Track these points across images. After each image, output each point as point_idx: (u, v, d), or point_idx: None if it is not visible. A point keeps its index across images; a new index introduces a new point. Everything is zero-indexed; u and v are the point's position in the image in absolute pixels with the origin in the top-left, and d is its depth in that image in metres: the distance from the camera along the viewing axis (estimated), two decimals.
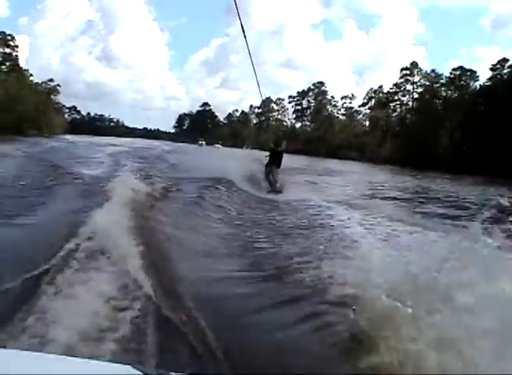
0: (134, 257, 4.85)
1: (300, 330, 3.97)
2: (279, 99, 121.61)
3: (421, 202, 16.33)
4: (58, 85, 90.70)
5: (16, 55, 70.77)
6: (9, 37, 69.37)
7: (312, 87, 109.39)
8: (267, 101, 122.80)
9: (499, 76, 61.05)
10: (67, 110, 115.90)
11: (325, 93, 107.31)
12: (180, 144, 78.40)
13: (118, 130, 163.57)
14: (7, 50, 68.64)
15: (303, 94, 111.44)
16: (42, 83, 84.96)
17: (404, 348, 3.20)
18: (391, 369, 3.11)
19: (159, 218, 8.20)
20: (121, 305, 3.74)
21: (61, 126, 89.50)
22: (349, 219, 9.80)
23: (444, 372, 3.00)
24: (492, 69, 62.52)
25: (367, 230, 8.08)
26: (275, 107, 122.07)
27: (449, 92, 68.01)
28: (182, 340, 3.54)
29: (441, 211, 12.90)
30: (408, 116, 70.65)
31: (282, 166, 15.43)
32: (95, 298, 3.75)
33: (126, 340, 3.30)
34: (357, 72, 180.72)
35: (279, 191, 13.94)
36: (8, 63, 69.49)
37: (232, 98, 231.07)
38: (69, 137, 68.11)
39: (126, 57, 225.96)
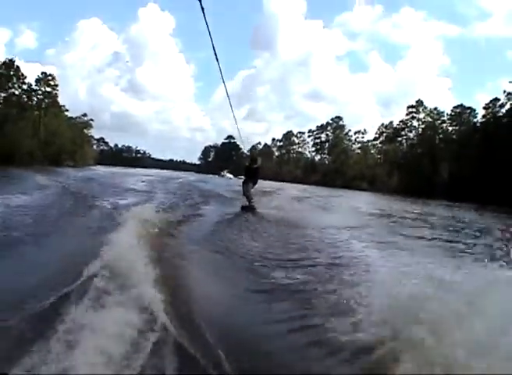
0: (149, 283, 4.84)
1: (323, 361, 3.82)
2: (300, 133, 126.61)
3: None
4: (92, 120, 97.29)
5: (56, 93, 76.38)
6: (50, 78, 75.38)
7: (330, 122, 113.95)
8: (289, 134, 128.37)
9: (491, 115, 65.68)
10: (95, 141, 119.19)
11: (342, 127, 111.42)
12: (205, 175, 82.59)
13: (144, 161, 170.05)
14: (48, 89, 74.07)
15: (322, 128, 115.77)
16: (76, 117, 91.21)
17: None
18: None
19: (175, 244, 8.29)
20: (137, 333, 3.69)
21: (92, 158, 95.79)
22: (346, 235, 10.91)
23: None
24: (485, 108, 67.20)
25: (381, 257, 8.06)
26: (296, 140, 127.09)
27: (449, 128, 73.25)
28: (198, 370, 3.49)
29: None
30: (413, 149, 75.14)
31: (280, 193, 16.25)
32: (112, 327, 3.70)
33: (142, 370, 3.29)
34: (382, 103, 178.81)
35: (254, 209, 14.02)
36: (47, 100, 74.75)
37: (258, 130, 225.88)
38: (99, 167, 73.60)
39: (153, 88, 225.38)
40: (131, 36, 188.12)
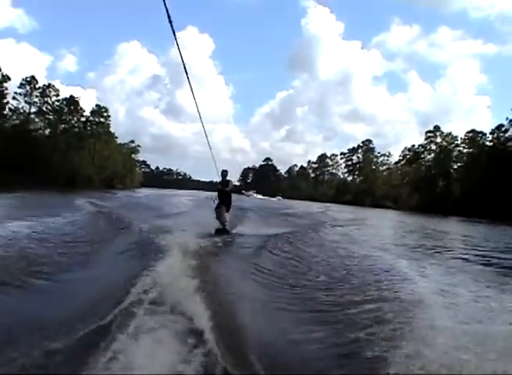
0: (197, 307, 4.83)
1: None
2: (333, 155, 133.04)
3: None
4: (139, 146, 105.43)
5: (108, 123, 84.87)
6: (103, 110, 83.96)
7: (361, 145, 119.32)
8: (323, 157, 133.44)
9: (496, 140, 70.93)
10: (137, 164, 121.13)
11: (372, 150, 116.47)
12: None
13: (184, 182, 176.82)
14: (102, 119, 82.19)
15: (353, 150, 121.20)
16: (125, 143, 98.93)
17: None
18: None
19: (219, 265, 8.43)
20: (184, 357, 3.70)
21: (138, 181, 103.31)
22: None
23: None
24: (491, 133, 72.69)
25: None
26: (330, 162, 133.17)
27: (464, 150, 78.31)
28: None
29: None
30: (429, 170, 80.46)
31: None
32: (159, 351, 3.76)
33: None
34: (421, 123, 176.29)
35: (227, 232, 13.31)
36: (100, 129, 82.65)
37: (297, 151, 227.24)
38: (144, 190, 79.21)
39: (192, 110, 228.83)
40: (170, 58, 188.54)
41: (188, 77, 6.96)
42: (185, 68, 6.65)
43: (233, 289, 6.70)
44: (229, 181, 13.91)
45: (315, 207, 47.21)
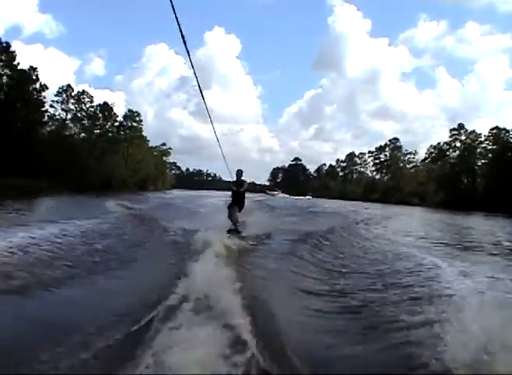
0: (235, 309, 4.86)
1: None
2: (361, 154, 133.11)
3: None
4: (170, 148, 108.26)
5: (140, 127, 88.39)
6: (136, 114, 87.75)
7: (388, 143, 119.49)
8: (351, 155, 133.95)
9: None
10: (168, 165, 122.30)
11: (399, 148, 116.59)
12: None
13: (215, 183, 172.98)
14: (134, 123, 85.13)
15: (380, 149, 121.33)
16: (156, 146, 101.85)
17: None
18: None
19: (254, 266, 8.45)
20: (224, 359, 3.68)
21: (169, 183, 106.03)
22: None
23: None
24: (507, 131, 74.88)
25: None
26: (358, 161, 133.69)
27: (489, 147, 79.14)
28: None
29: None
30: (454, 168, 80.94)
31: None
32: (199, 353, 3.74)
33: None
34: (451, 119, 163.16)
35: (239, 232, 12.92)
36: (133, 134, 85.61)
37: (326, 149, 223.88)
38: (176, 191, 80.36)
39: (221, 111, 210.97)
40: (198, 59, 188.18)
41: (197, 77, 6.91)
42: (194, 70, 6.56)
43: (272, 291, 6.67)
44: (243, 181, 13.74)
45: (348, 206, 47.04)
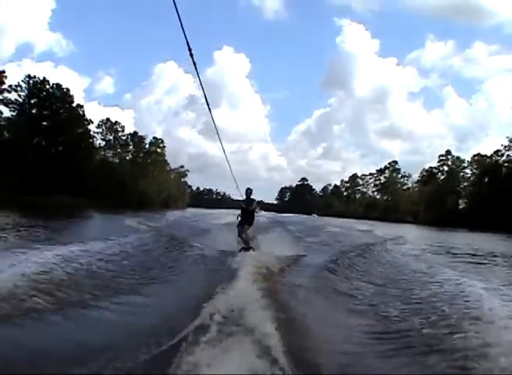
0: (268, 327, 4.79)
1: None
2: (363, 175, 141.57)
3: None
4: (188, 170, 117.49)
5: (164, 153, 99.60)
6: (160, 141, 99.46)
7: (388, 166, 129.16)
8: (354, 177, 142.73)
9: (494, 162, 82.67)
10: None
11: (398, 170, 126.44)
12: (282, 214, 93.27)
13: (224, 202, 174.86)
14: (158, 149, 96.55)
15: (380, 171, 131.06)
16: (175, 168, 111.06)
17: None
18: None
19: (286, 284, 8.68)
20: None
21: (186, 202, 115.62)
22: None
23: None
24: (489, 157, 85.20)
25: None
26: (360, 182, 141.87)
27: (470, 172, 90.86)
28: None
29: None
30: (440, 190, 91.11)
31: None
32: (230, 369, 3.74)
33: None
34: (459, 138, 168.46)
35: (250, 248, 12.98)
36: (157, 158, 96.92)
37: (334, 168, 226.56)
38: (192, 209, 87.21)
39: (229, 130, 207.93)
40: (207, 78, 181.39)
41: (205, 94, 6.90)
42: (202, 86, 6.59)
43: (303, 309, 6.73)
44: (253, 200, 13.86)
45: (353, 224, 47.77)
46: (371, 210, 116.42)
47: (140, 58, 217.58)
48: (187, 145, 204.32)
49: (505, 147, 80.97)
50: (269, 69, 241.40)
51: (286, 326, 5.10)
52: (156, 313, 6.14)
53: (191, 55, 5.42)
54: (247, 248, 12.91)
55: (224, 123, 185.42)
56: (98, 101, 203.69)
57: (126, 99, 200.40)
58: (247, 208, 13.59)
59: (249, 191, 13.81)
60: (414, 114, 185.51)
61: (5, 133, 64.79)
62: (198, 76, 6.16)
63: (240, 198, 14.07)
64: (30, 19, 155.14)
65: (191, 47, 5.26)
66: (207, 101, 7.01)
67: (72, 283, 7.40)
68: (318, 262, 12.02)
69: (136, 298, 7.07)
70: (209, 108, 7.25)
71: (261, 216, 21.08)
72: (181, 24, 4.86)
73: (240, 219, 13.73)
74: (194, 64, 5.66)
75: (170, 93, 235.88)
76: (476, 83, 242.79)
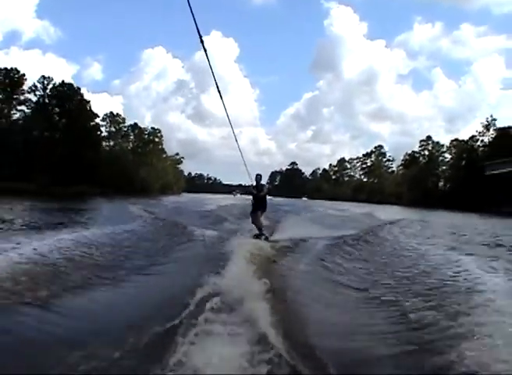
0: (262, 309, 4.81)
1: None
2: (351, 159, 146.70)
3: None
4: (183, 157, 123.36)
5: (161, 142, 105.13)
6: (158, 131, 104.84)
7: (374, 150, 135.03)
8: (342, 161, 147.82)
9: (470, 146, 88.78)
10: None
11: (383, 154, 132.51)
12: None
13: (215, 186, 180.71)
14: (156, 139, 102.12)
15: (367, 155, 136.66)
16: (171, 156, 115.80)
17: None
18: None
19: (281, 268, 8.58)
20: (250, 360, 3.67)
21: (181, 187, 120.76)
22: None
23: None
24: (466, 142, 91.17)
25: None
26: (348, 165, 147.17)
27: (446, 156, 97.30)
28: None
29: None
30: (421, 172, 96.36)
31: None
32: (226, 353, 3.73)
33: None
34: (448, 119, 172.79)
35: (264, 236, 12.91)
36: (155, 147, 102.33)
37: (324, 151, 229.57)
38: (187, 194, 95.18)
39: (218, 114, 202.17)
40: (195, 63, 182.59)
41: (216, 81, 6.79)
42: (213, 73, 6.52)
43: (300, 293, 6.75)
44: (263, 185, 13.70)
45: (338, 205, 54.31)
46: (359, 192, 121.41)
47: (128, 44, 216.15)
48: (177, 130, 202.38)
49: (479, 133, 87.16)
50: (258, 53, 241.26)
51: (278, 308, 5.20)
52: (157, 294, 6.52)
53: (202, 42, 5.46)
54: (259, 235, 13.02)
55: (213, 108, 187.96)
56: (87, 88, 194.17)
57: (115, 85, 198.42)
58: (259, 193, 13.42)
59: (259, 177, 13.64)
60: (403, 96, 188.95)
61: (27, 130, 69.26)
62: (209, 64, 6.18)
63: (251, 184, 13.60)
64: (16, 7, 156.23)
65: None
66: (218, 90, 7.11)
67: (79, 264, 7.95)
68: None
69: (129, 280, 7.26)
70: (221, 97, 7.34)
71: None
72: (192, 13, 4.96)
73: (252, 206, 13.62)
74: (205, 50, 5.70)
75: (159, 78, 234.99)
76: (464, 64, 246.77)
